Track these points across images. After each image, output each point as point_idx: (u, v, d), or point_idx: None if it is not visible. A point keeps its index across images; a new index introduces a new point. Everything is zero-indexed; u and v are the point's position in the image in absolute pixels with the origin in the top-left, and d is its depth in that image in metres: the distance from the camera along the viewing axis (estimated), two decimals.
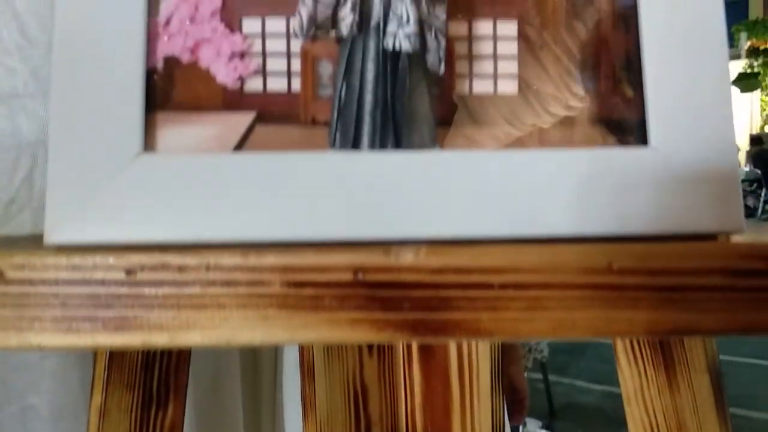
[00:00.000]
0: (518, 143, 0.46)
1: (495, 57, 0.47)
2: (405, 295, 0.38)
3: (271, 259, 0.38)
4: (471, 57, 0.47)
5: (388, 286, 0.38)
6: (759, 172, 7.21)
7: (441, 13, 0.47)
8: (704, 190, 0.44)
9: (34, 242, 0.47)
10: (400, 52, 0.46)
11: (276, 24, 0.46)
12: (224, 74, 0.45)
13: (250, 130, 0.45)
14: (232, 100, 0.45)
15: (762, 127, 8.43)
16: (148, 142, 0.43)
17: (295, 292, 0.38)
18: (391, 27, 0.46)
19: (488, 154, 0.45)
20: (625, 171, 0.44)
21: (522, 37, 0.47)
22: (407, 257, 0.39)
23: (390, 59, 0.46)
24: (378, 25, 0.46)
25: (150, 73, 0.44)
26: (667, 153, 0.45)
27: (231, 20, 0.46)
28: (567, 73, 0.47)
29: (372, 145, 0.45)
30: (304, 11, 0.46)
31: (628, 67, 0.46)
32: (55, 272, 0.37)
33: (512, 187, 0.44)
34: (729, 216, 0.44)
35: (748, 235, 0.44)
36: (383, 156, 0.44)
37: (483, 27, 0.47)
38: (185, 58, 0.45)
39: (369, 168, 0.44)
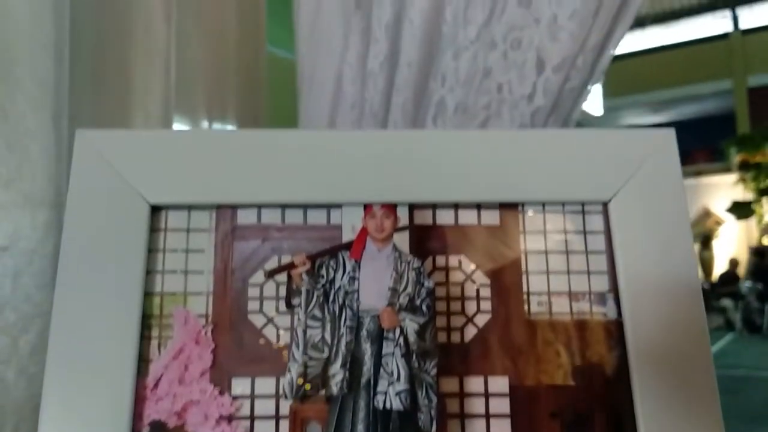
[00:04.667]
0: None
1: (487, 416, 0.46)
2: None
3: None
4: (463, 415, 0.46)
5: None
6: (760, 287, 7.16)
7: (432, 368, 0.46)
8: None
9: None
10: (390, 410, 0.45)
11: (265, 384, 0.46)
12: None
13: None
14: None
15: (760, 239, 8.48)
16: None
17: None
18: (382, 385, 0.46)
19: None
20: None
21: (514, 393, 0.46)
22: None
23: (380, 419, 0.45)
24: (368, 382, 0.46)
25: None
26: None
27: (221, 380, 0.46)
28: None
29: None
30: (294, 369, 0.46)
31: (622, 424, 0.46)
32: None
33: None
34: None
35: None
36: None
37: (474, 383, 0.47)
38: (172, 422, 0.44)
39: None
